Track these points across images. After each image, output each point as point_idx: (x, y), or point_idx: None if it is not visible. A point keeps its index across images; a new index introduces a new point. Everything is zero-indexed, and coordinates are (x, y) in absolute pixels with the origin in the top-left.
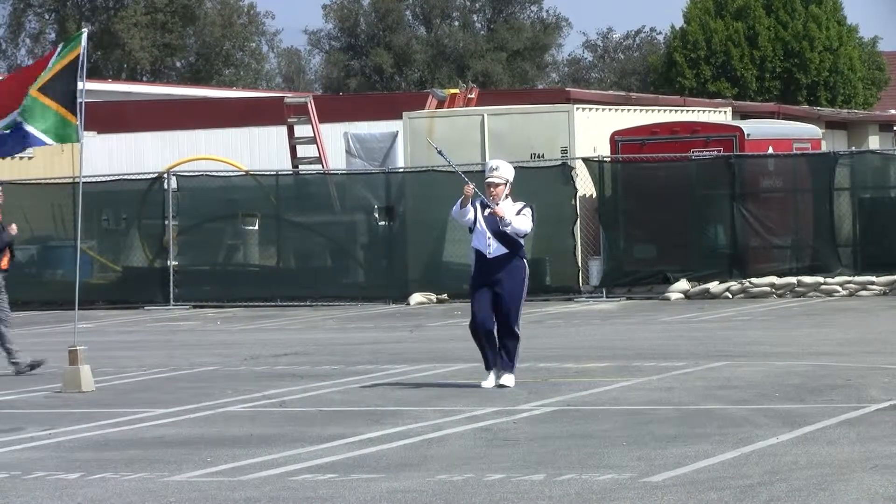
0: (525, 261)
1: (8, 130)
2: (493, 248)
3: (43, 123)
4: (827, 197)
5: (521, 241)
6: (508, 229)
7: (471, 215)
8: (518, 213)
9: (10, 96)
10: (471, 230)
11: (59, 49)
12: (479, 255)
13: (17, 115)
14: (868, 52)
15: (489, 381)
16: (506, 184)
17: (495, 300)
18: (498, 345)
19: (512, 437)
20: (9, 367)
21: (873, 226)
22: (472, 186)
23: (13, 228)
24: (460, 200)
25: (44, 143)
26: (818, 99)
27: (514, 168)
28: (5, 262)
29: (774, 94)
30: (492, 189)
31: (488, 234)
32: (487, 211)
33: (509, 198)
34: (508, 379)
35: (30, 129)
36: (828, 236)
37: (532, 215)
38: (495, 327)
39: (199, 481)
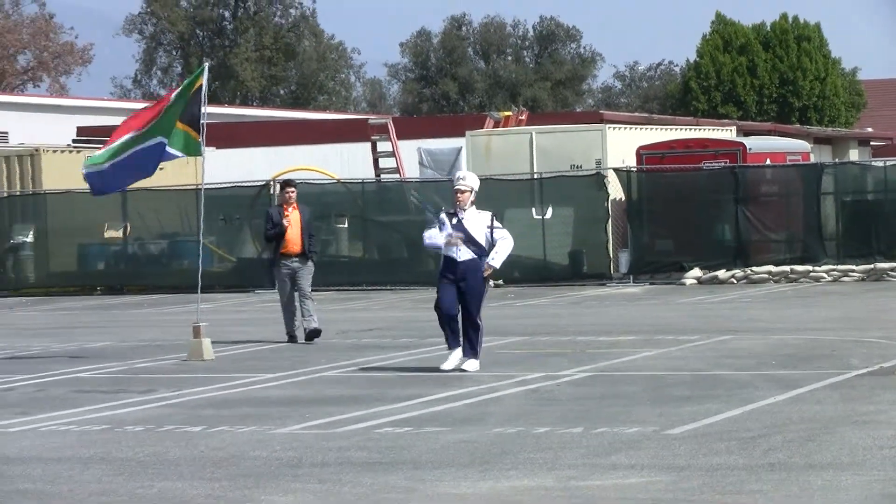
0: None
1: (144, 145)
2: (462, 255)
3: (176, 142)
4: (815, 200)
5: (486, 246)
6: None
7: (441, 242)
8: (490, 229)
9: (139, 123)
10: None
11: (183, 83)
12: (449, 258)
13: (161, 138)
14: (849, 80)
15: (450, 363)
16: (471, 191)
17: (460, 294)
18: (461, 333)
19: (555, 397)
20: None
21: (853, 223)
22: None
23: (286, 220)
24: (442, 238)
25: (176, 157)
26: (808, 119)
27: (557, 176)
28: (292, 247)
29: (771, 115)
30: (458, 195)
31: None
32: (456, 221)
33: (474, 205)
34: (471, 364)
35: (169, 149)
36: (815, 232)
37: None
38: (459, 314)
39: (299, 433)
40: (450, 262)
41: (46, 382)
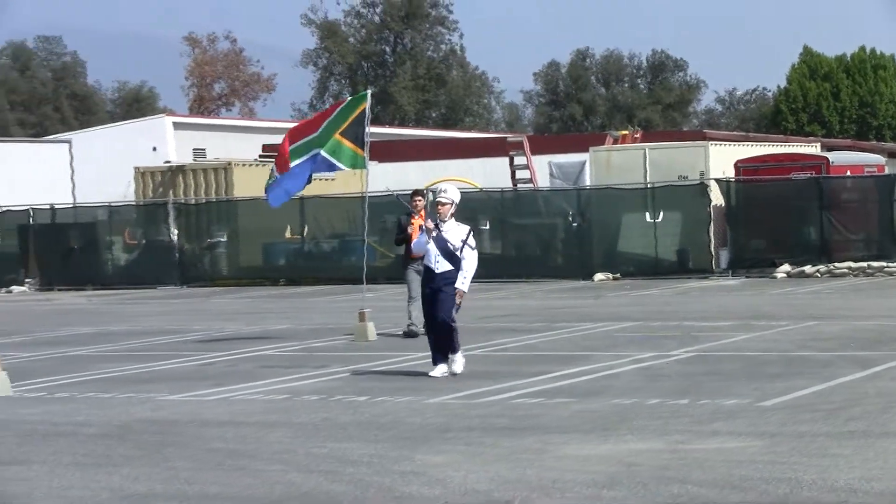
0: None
1: (306, 157)
2: (440, 266)
3: (342, 157)
4: (889, 206)
5: (459, 258)
6: (467, 286)
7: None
8: (464, 244)
9: (305, 134)
10: None
11: (345, 102)
12: (428, 269)
13: (317, 150)
14: None
15: (436, 371)
16: (451, 204)
17: (436, 300)
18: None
19: (665, 374)
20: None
21: None
22: (432, 224)
23: (411, 228)
24: (422, 236)
25: (342, 169)
26: (883, 136)
27: (667, 186)
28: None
29: (851, 133)
30: (439, 207)
31: (437, 254)
32: (436, 232)
33: (454, 217)
34: (454, 362)
35: (332, 159)
36: (889, 233)
37: (475, 241)
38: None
39: (447, 402)
40: (429, 272)
41: (237, 359)
